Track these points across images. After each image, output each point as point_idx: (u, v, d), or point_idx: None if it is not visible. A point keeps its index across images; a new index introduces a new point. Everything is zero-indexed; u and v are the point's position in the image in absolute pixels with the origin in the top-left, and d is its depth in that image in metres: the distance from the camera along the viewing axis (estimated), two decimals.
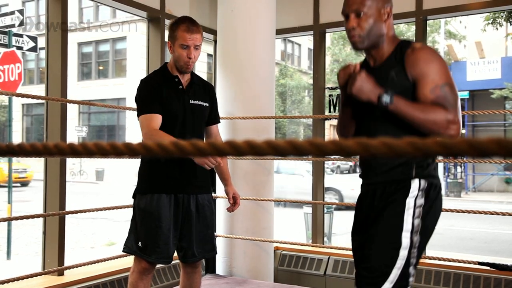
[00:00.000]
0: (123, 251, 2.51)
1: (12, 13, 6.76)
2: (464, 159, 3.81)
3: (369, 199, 1.88)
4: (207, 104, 2.55)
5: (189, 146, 0.55)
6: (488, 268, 3.14)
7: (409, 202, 1.75)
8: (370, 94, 1.72)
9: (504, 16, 11.64)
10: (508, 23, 12.56)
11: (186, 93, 2.48)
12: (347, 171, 23.75)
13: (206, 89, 2.59)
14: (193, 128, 2.48)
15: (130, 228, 2.49)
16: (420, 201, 1.76)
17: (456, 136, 1.70)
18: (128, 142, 0.58)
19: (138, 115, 2.42)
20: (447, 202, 13.36)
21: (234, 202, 2.63)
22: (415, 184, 1.77)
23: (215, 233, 2.66)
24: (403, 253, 1.72)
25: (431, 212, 1.79)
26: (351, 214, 2.14)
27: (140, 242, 2.41)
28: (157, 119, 2.38)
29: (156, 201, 2.40)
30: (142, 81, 2.50)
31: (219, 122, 2.70)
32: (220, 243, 3.92)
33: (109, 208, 3.47)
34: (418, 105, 1.69)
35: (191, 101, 2.48)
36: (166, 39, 2.70)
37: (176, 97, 2.45)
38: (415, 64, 1.74)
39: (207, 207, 2.54)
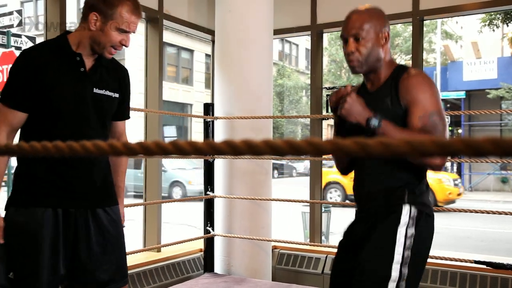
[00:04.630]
0: None
1: (11, 13, 6.75)
2: (461, 158, 3.82)
3: (362, 225, 1.84)
4: (116, 95, 1.91)
5: (172, 146, 0.55)
6: (484, 266, 3.16)
7: (400, 231, 1.69)
8: (359, 117, 1.69)
9: (500, 18, 11.67)
10: (505, 24, 12.59)
11: (89, 78, 1.82)
12: None
13: (117, 75, 1.95)
14: (95, 125, 1.85)
15: None
16: (411, 230, 1.70)
17: (441, 165, 1.68)
18: (100, 142, 0.58)
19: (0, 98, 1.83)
20: None
21: None
22: (406, 210, 1.71)
23: (125, 257, 2.00)
24: (391, 285, 1.66)
25: (420, 243, 1.73)
26: (350, 212, 2.14)
27: (11, 273, 1.77)
28: (15, 118, 1.79)
29: (38, 217, 1.77)
30: (21, 54, 1.85)
31: (129, 117, 2.09)
32: (218, 242, 3.93)
33: None
34: (406, 131, 1.66)
35: (95, 90, 1.83)
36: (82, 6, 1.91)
37: (72, 82, 1.80)
38: (408, 90, 1.71)
39: (113, 223, 1.91)
